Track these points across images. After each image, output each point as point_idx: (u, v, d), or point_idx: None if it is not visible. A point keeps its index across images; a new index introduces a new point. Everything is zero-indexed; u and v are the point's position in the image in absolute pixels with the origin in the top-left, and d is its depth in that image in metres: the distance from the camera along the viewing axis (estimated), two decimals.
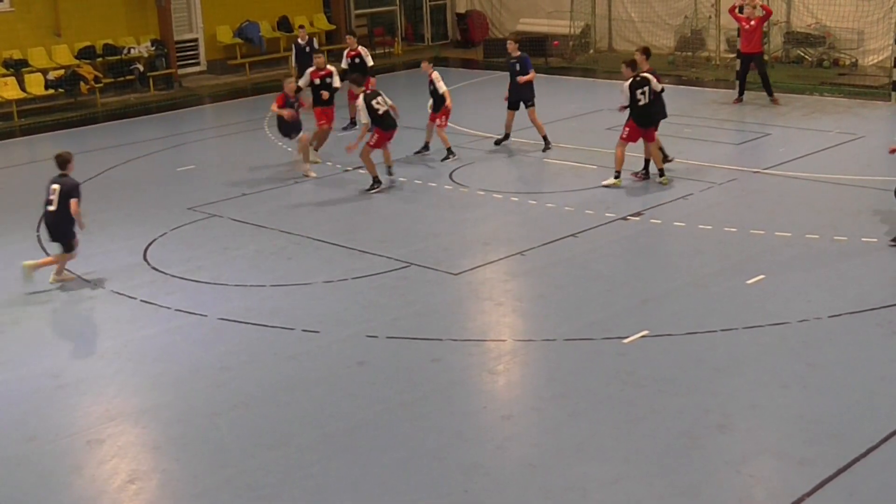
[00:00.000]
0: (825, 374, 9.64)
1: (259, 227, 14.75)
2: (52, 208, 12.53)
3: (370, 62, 21.01)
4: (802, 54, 25.60)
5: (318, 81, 18.63)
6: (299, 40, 22.53)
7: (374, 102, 16.17)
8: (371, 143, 16.31)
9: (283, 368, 10.21)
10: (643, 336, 10.52)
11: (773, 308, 11.12)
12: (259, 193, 16.61)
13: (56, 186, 12.53)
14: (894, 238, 12.83)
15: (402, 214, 15.40)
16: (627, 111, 16.00)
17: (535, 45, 29.54)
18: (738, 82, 22.66)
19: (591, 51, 30.16)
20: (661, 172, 16.05)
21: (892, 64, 22.27)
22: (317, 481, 8.14)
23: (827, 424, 8.68)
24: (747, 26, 21.99)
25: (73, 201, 12.43)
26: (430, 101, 18.15)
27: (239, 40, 29.24)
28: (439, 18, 34.66)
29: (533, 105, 18.54)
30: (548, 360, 10.36)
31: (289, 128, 17.40)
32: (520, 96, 18.58)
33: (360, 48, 21.17)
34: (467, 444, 8.65)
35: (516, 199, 15.73)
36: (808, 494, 7.61)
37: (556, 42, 29.39)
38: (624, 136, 16.01)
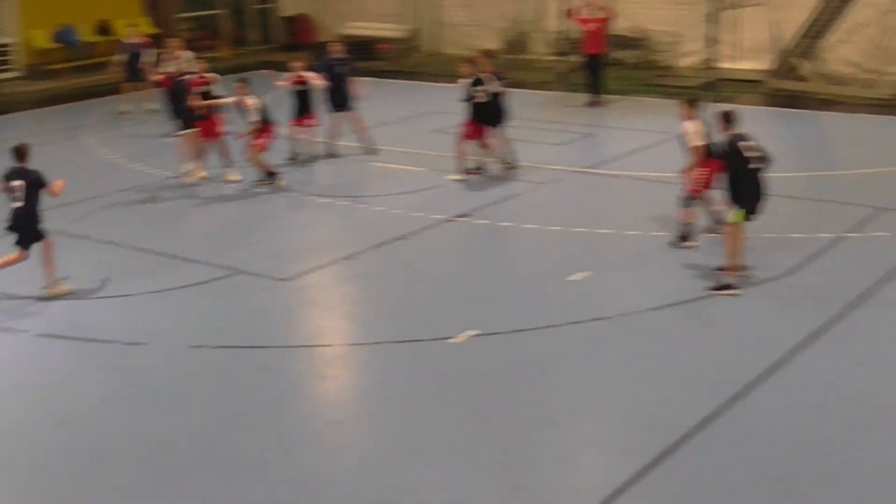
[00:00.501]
0: (646, 365, 9.97)
1: (80, 237, 14.28)
2: (19, 204, 11.89)
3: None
4: (622, 56, 26.33)
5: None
6: (129, 42, 22.07)
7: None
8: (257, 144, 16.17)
9: (107, 383, 9.93)
10: (472, 336, 10.66)
11: (596, 303, 11.44)
12: (79, 203, 16.07)
13: (20, 182, 11.88)
14: (681, 237, 13.32)
15: (228, 221, 15.20)
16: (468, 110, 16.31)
17: (364, 49, 29.60)
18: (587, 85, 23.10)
19: (420, 54, 30.37)
20: (503, 164, 16.40)
21: (707, 66, 23.17)
22: (144, 499, 7.95)
23: (648, 414, 8.99)
24: (587, 28, 22.49)
25: (51, 187, 11.93)
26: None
27: (57, 45, 28.27)
28: (266, 21, 34.31)
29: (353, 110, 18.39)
30: (378, 363, 10.39)
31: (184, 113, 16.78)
32: (347, 100, 18.43)
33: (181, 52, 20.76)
34: (300, 451, 8.60)
35: (344, 202, 15.72)
36: (631, 483, 7.86)
37: (384, 45, 29.49)
38: (464, 133, 16.24)
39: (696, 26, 25.74)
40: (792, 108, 22.10)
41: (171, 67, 19.87)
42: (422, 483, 8.03)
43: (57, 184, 11.99)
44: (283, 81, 17.91)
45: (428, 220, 14.57)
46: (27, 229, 11.96)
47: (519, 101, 23.42)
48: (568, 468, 8.24)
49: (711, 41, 22.88)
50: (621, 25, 25.33)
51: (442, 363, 10.13)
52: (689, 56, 26.74)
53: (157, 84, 20.25)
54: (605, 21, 22.72)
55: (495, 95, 16.38)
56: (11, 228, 11.99)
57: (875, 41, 22.40)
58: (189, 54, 20.59)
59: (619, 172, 16.97)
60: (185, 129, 16.84)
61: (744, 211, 11.46)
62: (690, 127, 12.87)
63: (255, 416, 9.21)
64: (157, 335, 10.95)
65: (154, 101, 21.88)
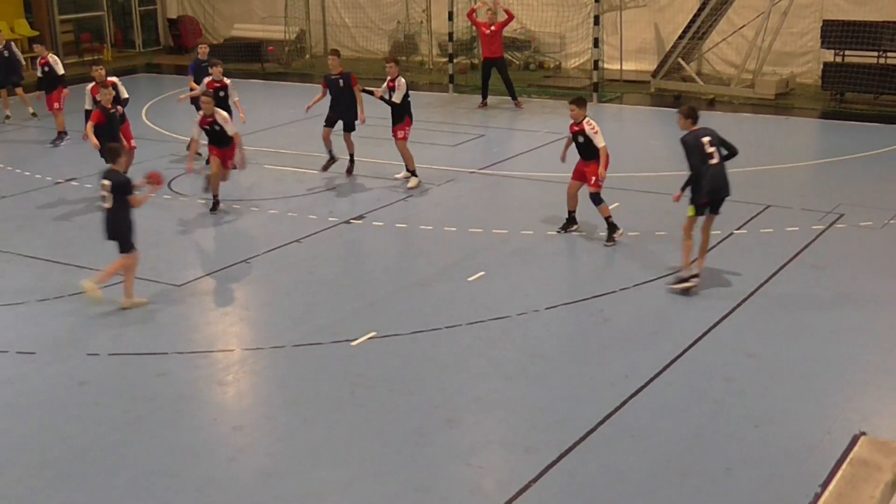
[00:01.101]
0: (546, 363, 10.08)
1: None
2: (106, 205, 11.56)
3: (60, 70, 20.17)
4: (510, 58, 26.57)
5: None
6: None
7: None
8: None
9: None
10: (371, 338, 10.65)
11: (494, 303, 11.52)
12: None
13: (107, 182, 11.53)
14: (562, 226, 13.77)
15: None
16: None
17: (251, 51, 29.36)
18: (481, 87, 23.21)
19: (308, 56, 30.19)
20: (413, 173, 16.39)
21: (593, 66, 23.53)
22: None
23: (549, 412, 9.09)
24: (487, 31, 22.59)
25: (131, 198, 11.57)
26: None
27: None
28: (150, 24, 33.72)
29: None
30: (277, 367, 10.29)
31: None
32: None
33: (50, 56, 20.30)
34: (199, 458, 8.48)
35: (238, 206, 15.52)
36: (534, 480, 7.94)
37: (271, 48, 29.23)
38: (400, 135, 16.31)
39: (581, 28, 26.15)
40: (676, 107, 22.52)
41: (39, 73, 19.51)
42: (323, 487, 7.98)
43: (134, 199, 11.67)
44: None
45: (323, 222, 14.50)
46: (113, 230, 11.70)
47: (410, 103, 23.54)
48: (471, 468, 8.27)
49: (597, 43, 23.23)
50: (509, 28, 25.53)
51: (342, 366, 10.09)
52: (575, 57, 27.16)
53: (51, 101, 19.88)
54: (505, 24, 22.87)
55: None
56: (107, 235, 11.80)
57: (755, 42, 23.03)
58: (54, 58, 20.16)
59: (511, 173, 17.12)
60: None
61: (696, 206, 11.65)
62: (595, 126, 13.22)
63: (152, 423, 9.05)
64: (48, 344, 10.68)
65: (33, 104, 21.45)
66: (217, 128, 14.99)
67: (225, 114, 15.24)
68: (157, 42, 33.75)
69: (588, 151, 13.35)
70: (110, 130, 15.20)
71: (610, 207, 13.56)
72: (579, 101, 13.52)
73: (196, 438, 8.82)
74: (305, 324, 11.16)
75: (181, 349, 10.57)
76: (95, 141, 14.88)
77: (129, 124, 16.72)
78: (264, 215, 15.07)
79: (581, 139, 13.37)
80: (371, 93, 16.50)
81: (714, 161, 11.58)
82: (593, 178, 13.23)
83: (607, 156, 13.22)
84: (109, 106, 15.49)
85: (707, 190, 11.58)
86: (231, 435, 8.93)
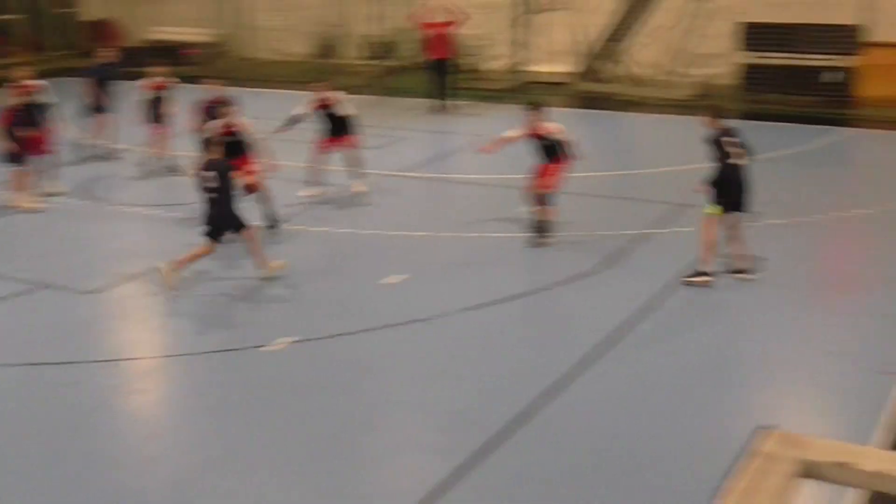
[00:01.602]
0: (464, 364, 10.05)
1: None
2: (214, 196, 11.67)
3: None
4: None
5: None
6: None
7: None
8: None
9: None
10: (287, 343, 10.53)
11: (412, 306, 11.47)
12: None
13: (210, 172, 11.66)
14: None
15: (28, 233, 14.55)
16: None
17: (170, 54, 28.95)
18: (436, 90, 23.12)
19: (229, 59, 29.92)
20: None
21: (514, 69, 23.63)
22: None
23: (467, 413, 9.05)
24: (435, 32, 22.51)
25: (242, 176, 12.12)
26: None
27: None
28: (66, 26, 33.12)
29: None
30: (191, 374, 10.13)
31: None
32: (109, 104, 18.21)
33: None
34: (111, 468, 8.29)
35: (147, 212, 15.26)
36: (452, 482, 7.90)
37: (193, 51, 28.91)
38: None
39: (503, 30, 26.25)
40: (597, 109, 22.78)
41: None
42: (237, 494, 7.85)
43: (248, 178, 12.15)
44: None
45: None
46: (227, 218, 11.99)
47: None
48: (387, 471, 8.21)
49: (518, 45, 23.33)
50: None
51: (257, 372, 9.96)
52: (497, 59, 27.25)
53: None
54: (452, 25, 22.79)
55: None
56: (214, 220, 11.99)
57: (673, 44, 23.30)
58: None
59: (432, 175, 17.09)
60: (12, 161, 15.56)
61: (720, 206, 11.71)
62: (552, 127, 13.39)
63: (63, 433, 8.82)
64: None
65: None
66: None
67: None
68: (73, 45, 33.15)
69: (551, 152, 13.33)
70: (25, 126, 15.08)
71: (530, 209, 13.58)
72: (537, 106, 13.56)
73: (108, 448, 8.63)
74: (219, 330, 11.01)
75: (93, 358, 10.33)
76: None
77: (51, 129, 16.30)
78: (173, 221, 14.81)
79: (545, 142, 13.33)
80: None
81: (738, 161, 11.69)
82: (548, 179, 13.22)
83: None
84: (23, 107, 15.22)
85: (733, 189, 11.69)
86: (143, 444, 8.76)
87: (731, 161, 11.67)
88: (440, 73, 22.74)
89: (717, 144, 11.75)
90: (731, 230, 12.03)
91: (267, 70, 28.97)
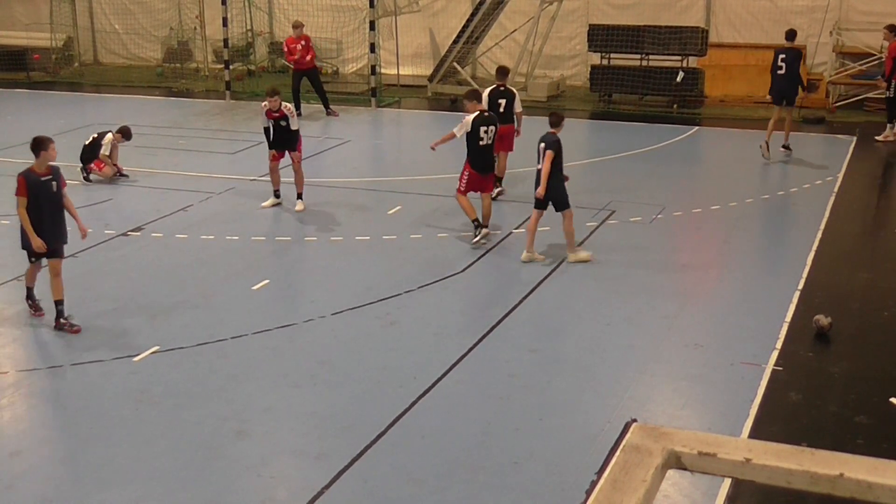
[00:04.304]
0: (333, 369, 10.08)
1: None
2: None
3: None
4: (285, 64, 26.46)
5: None
6: None
7: None
8: None
9: None
10: (154, 352, 10.39)
11: (279, 311, 11.46)
12: None
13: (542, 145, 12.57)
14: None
15: None
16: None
17: (15, 59, 28.09)
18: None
19: (76, 64, 29.17)
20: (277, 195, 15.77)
21: (370, 71, 23.72)
22: None
23: (339, 418, 9.09)
24: (297, 47, 22.23)
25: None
26: None
27: None
28: None
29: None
30: (55, 388, 9.89)
31: None
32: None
33: None
34: None
35: (7, 222, 14.80)
36: (327, 487, 7.94)
37: (36, 55, 28.07)
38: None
39: (357, 33, 26.31)
40: (452, 111, 23.04)
41: None
42: None
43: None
44: None
45: (99, 235, 13.99)
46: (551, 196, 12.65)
47: (186, 111, 23.15)
48: (262, 478, 8.19)
49: (373, 48, 23.44)
50: (285, 33, 25.46)
51: (125, 383, 9.79)
52: (352, 63, 27.30)
53: None
54: (308, 38, 22.65)
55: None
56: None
57: (526, 46, 23.74)
58: None
59: (291, 179, 17.01)
60: None
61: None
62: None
63: None
64: None
65: None
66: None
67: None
68: None
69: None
70: None
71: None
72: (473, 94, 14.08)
73: None
74: (84, 341, 10.78)
75: None
76: None
77: None
78: None
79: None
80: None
81: (782, 72, 18.00)
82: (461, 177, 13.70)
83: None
84: None
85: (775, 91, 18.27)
86: (7, 462, 8.51)
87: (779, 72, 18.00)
88: (311, 81, 22.60)
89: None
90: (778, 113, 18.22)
91: (114, 75, 28.34)
